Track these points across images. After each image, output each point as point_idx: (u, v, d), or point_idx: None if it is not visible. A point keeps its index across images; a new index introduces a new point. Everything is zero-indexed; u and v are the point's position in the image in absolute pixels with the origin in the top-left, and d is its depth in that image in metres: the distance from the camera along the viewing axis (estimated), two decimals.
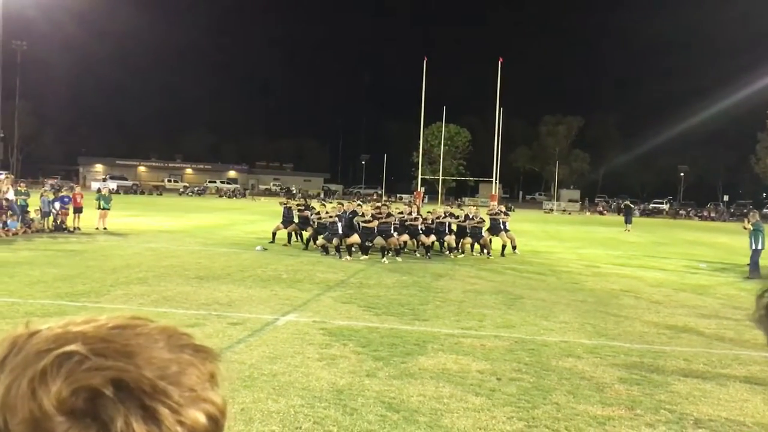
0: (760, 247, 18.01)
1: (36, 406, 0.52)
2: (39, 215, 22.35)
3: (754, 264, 18.03)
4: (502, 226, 20.99)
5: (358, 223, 18.36)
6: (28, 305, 10.00)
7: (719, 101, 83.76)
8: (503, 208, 22.65)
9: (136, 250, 17.90)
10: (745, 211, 56.72)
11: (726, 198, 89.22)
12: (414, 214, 20.37)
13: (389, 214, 19.02)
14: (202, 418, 0.57)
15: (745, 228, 19.36)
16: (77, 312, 9.59)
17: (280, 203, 22.75)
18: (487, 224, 20.78)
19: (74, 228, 22.72)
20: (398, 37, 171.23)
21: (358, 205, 20.96)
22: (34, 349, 0.56)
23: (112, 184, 73.90)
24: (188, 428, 0.56)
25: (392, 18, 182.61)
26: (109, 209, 24.18)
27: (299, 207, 21.62)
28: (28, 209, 22.19)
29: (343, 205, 20.92)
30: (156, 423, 0.54)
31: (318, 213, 20.18)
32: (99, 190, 25.66)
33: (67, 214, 23.01)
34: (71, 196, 23.59)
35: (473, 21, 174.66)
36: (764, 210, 71.65)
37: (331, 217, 18.62)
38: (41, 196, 23.07)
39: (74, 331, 0.58)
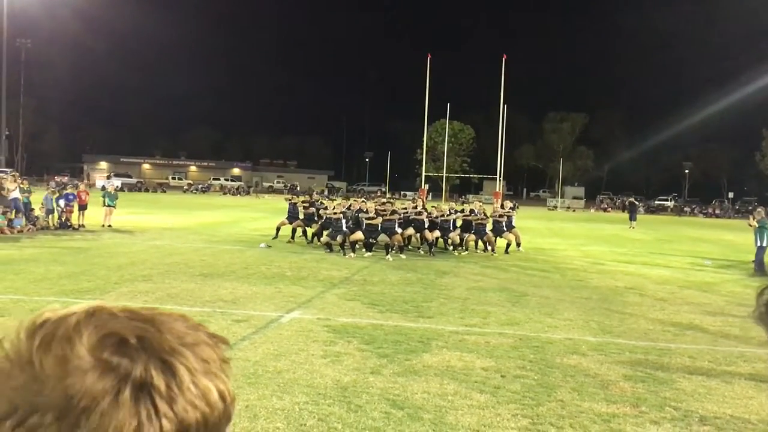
0: (765, 244, 18.01)
1: (69, 347, 0.57)
2: (44, 212, 22.39)
3: (759, 261, 18.02)
4: (505, 228, 20.92)
5: (362, 220, 18.36)
6: (33, 302, 10.02)
7: (724, 98, 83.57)
8: (509, 204, 22.57)
9: (141, 247, 17.94)
10: (750, 208, 56.54)
11: (731, 195, 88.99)
12: (419, 208, 20.37)
13: (393, 211, 19.00)
14: (213, 390, 0.60)
15: (750, 225, 19.39)
16: None
17: (286, 199, 22.78)
18: (490, 225, 20.72)
19: (79, 225, 22.76)
20: (402, 34, 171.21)
21: (363, 201, 20.95)
22: (67, 311, 0.62)
23: (117, 182, 74.13)
24: (201, 393, 0.59)
25: (395, 15, 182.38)
26: (114, 207, 24.29)
27: (304, 204, 21.66)
28: (33, 207, 22.24)
29: (348, 200, 20.96)
30: (173, 376, 0.58)
31: (325, 207, 20.24)
32: (104, 188, 25.72)
33: (71, 212, 23.05)
34: (76, 193, 23.63)
35: (477, 18, 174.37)
36: None
37: (335, 213, 18.63)
38: (46, 193, 23.14)
39: (103, 303, 0.64)
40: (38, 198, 23.18)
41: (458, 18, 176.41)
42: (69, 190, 23.98)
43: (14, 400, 0.56)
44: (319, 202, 22.12)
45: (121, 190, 68.79)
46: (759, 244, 18.17)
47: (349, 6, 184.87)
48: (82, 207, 23.36)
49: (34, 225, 21.48)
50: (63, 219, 22.74)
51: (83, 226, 22.81)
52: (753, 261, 18.50)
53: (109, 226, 23.34)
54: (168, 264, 14.78)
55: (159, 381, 0.57)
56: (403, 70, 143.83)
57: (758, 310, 0.65)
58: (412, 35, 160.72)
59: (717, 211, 73.00)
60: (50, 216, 22.48)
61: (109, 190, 24.81)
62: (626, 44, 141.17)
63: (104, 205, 23.98)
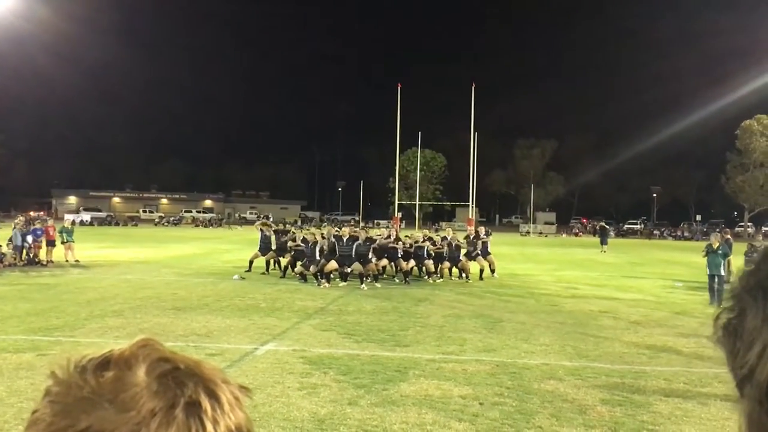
0: (723, 273, 15.89)
1: (126, 368, 0.63)
2: (11, 249, 21.95)
3: (715, 290, 15.97)
4: (480, 252, 21.04)
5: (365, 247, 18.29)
6: (0, 341, 9.77)
7: (689, 122, 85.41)
8: (482, 230, 22.66)
9: (111, 282, 17.65)
10: (717, 230, 57.37)
11: (699, 217, 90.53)
12: (392, 238, 20.38)
13: (368, 238, 18.95)
14: (244, 422, 0.66)
15: (711, 251, 16.30)
16: (51, 347, 9.40)
17: (256, 227, 22.66)
18: (464, 250, 20.80)
19: (47, 261, 22.36)
20: (371, 64, 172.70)
21: (337, 230, 20.91)
22: (112, 347, 0.67)
23: (86, 216, 73.12)
24: (237, 422, 0.64)
25: (365, 45, 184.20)
26: (73, 241, 23.70)
27: (277, 231, 21.64)
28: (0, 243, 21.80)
29: (321, 230, 20.90)
30: (217, 402, 0.63)
31: (293, 237, 20.20)
32: (63, 225, 25.09)
33: (40, 248, 22.66)
34: (44, 228, 23.25)
35: (445, 47, 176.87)
36: (737, 229, 72.94)
37: (298, 245, 18.60)
38: (13, 229, 22.68)
39: (149, 338, 0.70)
40: (6, 234, 22.74)
41: (427, 47, 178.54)
42: (37, 225, 23.58)
43: (71, 412, 0.60)
44: (290, 233, 22.00)
45: (91, 224, 68.08)
46: (716, 273, 15.91)
47: (319, 36, 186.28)
48: (50, 243, 22.96)
49: (0, 262, 21.04)
50: (31, 255, 22.33)
51: (51, 261, 22.41)
52: (711, 290, 16.19)
53: (76, 261, 22.88)
54: (139, 298, 14.55)
55: (206, 404, 0.62)
56: (373, 99, 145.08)
57: (716, 334, 0.67)
58: (382, 64, 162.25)
59: (686, 234, 74.13)
60: (18, 252, 22.00)
61: (65, 226, 24.32)
62: (593, 71, 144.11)
63: (63, 242, 23.46)
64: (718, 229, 20.92)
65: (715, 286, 15.99)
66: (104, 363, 0.64)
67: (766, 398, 0.60)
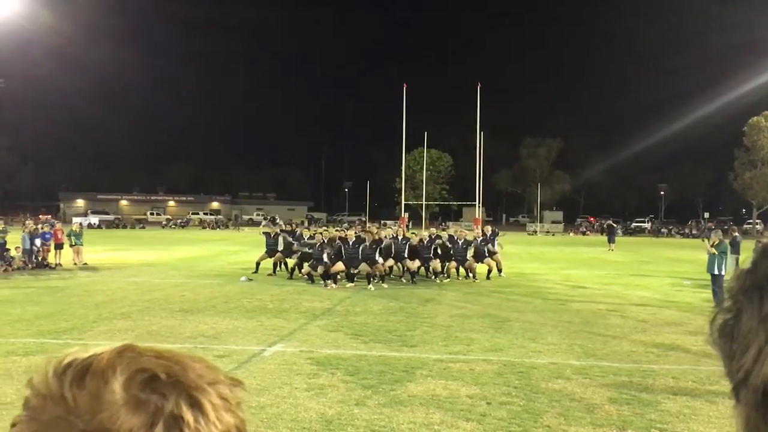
0: (722, 272, 15.02)
1: (102, 382, 0.60)
2: (20, 253, 22.07)
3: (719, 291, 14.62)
4: (486, 252, 21.00)
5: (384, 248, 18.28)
6: (9, 344, 9.83)
7: (696, 118, 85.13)
8: (489, 229, 22.58)
9: (119, 284, 17.71)
10: (725, 227, 57.02)
11: (707, 215, 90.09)
12: (400, 237, 20.37)
13: (375, 240, 18.94)
14: (233, 426, 0.63)
15: (709, 251, 15.41)
16: (60, 350, 9.43)
17: (261, 233, 22.68)
18: (472, 251, 20.75)
19: (56, 264, 22.47)
20: (378, 64, 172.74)
21: (344, 231, 20.92)
22: (93, 351, 0.64)
23: (94, 219, 73.31)
24: (224, 428, 0.62)
25: (371, 45, 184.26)
26: (81, 245, 23.91)
27: (283, 231, 21.70)
28: (8, 247, 21.91)
29: (329, 231, 20.93)
30: (201, 412, 0.60)
31: (300, 236, 20.24)
32: (71, 229, 25.25)
33: (48, 251, 22.78)
34: (52, 232, 23.36)
35: (451, 46, 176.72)
36: (745, 226, 72.58)
37: (317, 243, 18.56)
38: (23, 233, 22.81)
39: (130, 343, 0.66)
40: (14, 238, 22.86)
41: (433, 47, 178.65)
42: (45, 229, 23.70)
43: None
44: (298, 233, 22.02)
45: (99, 227, 68.28)
46: (717, 272, 15.02)
47: (324, 37, 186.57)
48: (58, 246, 23.08)
49: (9, 265, 21.15)
50: (40, 258, 22.44)
51: (60, 265, 22.52)
52: (713, 293, 15.26)
53: (85, 264, 23.03)
54: (147, 300, 14.60)
55: (188, 416, 0.59)
56: (379, 100, 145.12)
57: (712, 336, 0.66)
58: (388, 65, 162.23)
59: (694, 231, 73.80)
60: (27, 256, 22.11)
61: (73, 229, 24.47)
62: (599, 68, 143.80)
63: (71, 245, 23.64)
64: (714, 228, 19.88)
65: (712, 286, 15.30)
66: (82, 373, 0.61)
67: (762, 403, 0.58)
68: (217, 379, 0.65)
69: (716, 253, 15.03)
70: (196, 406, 0.61)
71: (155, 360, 0.63)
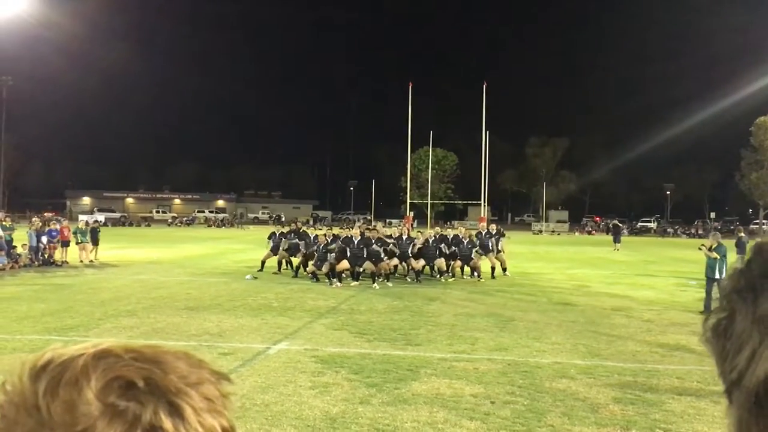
0: (722, 276, 14.01)
1: (76, 391, 0.57)
2: (27, 250, 22.16)
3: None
4: (491, 247, 21.00)
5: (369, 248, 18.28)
6: (15, 341, 9.88)
7: (702, 119, 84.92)
8: (494, 227, 22.58)
9: (125, 282, 17.77)
10: (731, 227, 56.84)
11: (713, 215, 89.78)
12: (405, 236, 20.39)
13: (380, 239, 18.95)
14: (218, 428, 0.61)
15: (708, 254, 14.60)
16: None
17: (278, 233, 22.47)
18: (478, 244, 20.75)
19: (62, 262, 22.56)
20: (383, 64, 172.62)
21: (348, 229, 20.95)
22: (72, 352, 0.61)
23: (100, 217, 73.52)
24: None
25: (377, 45, 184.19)
26: (87, 242, 23.98)
27: (290, 232, 21.63)
28: (14, 244, 22.00)
29: (333, 230, 20.93)
30: (180, 419, 0.58)
31: (308, 235, 20.27)
32: (79, 226, 25.31)
33: (55, 248, 22.86)
34: (59, 229, 23.44)
35: (457, 46, 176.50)
36: (751, 226, 72.29)
37: (324, 241, 18.60)
38: (29, 230, 22.90)
39: (107, 343, 0.63)
40: (21, 235, 22.95)
41: (439, 46, 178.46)
42: (52, 226, 23.78)
43: None
44: (302, 231, 22.02)
45: (105, 224, 68.35)
46: (718, 276, 14.05)
47: (330, 36, 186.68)
48: (65, 243, 23.17)
49: (16, 262, 21.25)
50: (46, 256, 22.53)
51: (66, 262, 22.61)
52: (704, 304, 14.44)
53: (91, 261, 23.14)
54: (153, 298, 14.65)
55: (167, 424, 0.57)
56: (385, 98, 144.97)
57: (704, 335, 0.65)
58: (394, 64, 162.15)
59: (700, 232, 73.56)
60: (33, 253, 22.19)
61: (80, 227, 24.54)
62: (605, 69, 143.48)
63: (78, 242, 23.72)
64: (713, 230, 19.24)
65: (707, 288, 14.59)
66: (57, 380, 0.58)
67: (755, 405, 0.58)
68: (201, 379, 0.62)
69: (718, 257, 14.25)
70: (176, 412, 0.58)
71: (134, 364, 0.60)
